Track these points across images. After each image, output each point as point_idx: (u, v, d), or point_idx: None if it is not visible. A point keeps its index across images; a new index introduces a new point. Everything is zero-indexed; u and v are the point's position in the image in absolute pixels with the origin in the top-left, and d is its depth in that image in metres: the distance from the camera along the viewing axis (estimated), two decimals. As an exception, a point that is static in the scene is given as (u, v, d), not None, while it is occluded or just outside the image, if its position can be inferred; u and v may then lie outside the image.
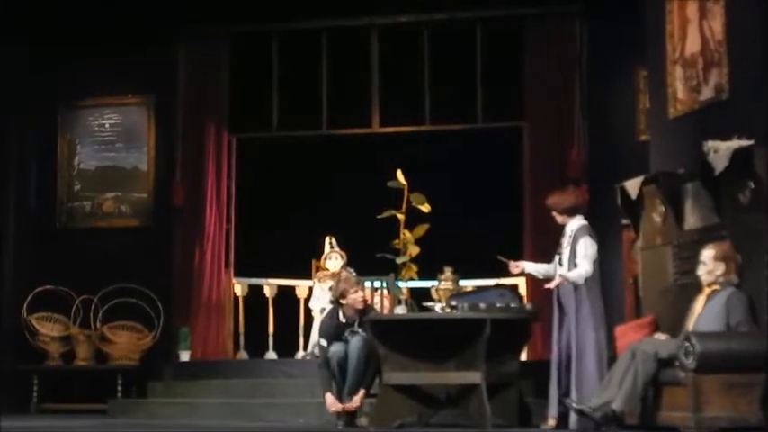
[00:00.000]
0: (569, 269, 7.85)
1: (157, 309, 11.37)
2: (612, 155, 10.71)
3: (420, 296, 8.91)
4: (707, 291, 7.27)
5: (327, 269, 10.78)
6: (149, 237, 11.74)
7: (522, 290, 10.70)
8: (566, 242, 7.99)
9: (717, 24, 7.96)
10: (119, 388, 10.95)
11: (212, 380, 10.45)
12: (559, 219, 8.07)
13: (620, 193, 8.45)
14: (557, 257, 8.05)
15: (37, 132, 12.06)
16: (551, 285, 7.98)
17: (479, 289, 9.23)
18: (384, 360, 8.09)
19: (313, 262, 11.19)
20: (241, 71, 11.95)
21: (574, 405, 7.44)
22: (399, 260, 8.66)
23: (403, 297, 8.79)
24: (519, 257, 10.34)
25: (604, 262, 8.10)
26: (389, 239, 8.71)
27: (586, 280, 7.82)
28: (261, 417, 9.40)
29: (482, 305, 8.04)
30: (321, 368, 8.35)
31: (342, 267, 10.46)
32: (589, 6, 11.14)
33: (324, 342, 8.38)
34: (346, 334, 8.33)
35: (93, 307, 11.44)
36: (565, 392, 7.80)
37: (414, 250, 8.66)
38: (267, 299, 11.44)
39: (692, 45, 8.25)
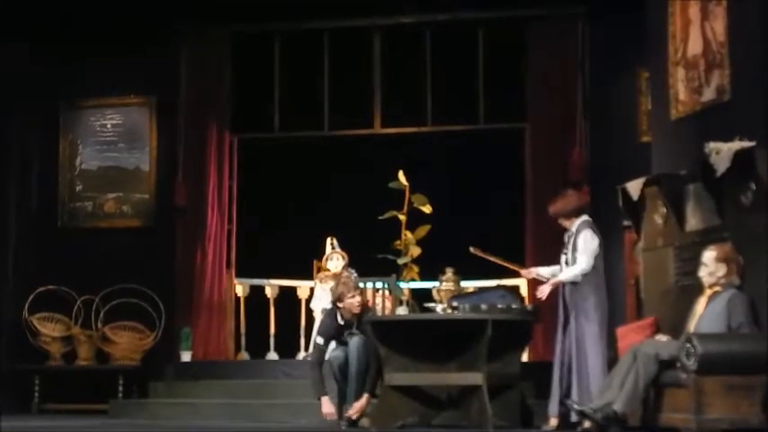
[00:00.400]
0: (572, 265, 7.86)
1: (159, 309, 11.38)
2: (614, 156, 10.71)
3: (421, 297, 8.89)
4: (708, 292, 7.26)
5: (329, 270, 10.76)
6: (151, 237, 11.75)
7: (524, 291, 10.69)
8: (569, 240, 8.00)
9: (719, 26, 7.95)
10: (120, 388, 10.97)
11: (214, 380, 10.46)
12: (566, 223, 8.06)
13: (622, 195, 8.44)
14: (563, 257, 8.05)
15: (38, 132, 12.07)
16: (542, 295, 7.98)
17: (481, 290, 9.21)
18: (385, 361, 8.09)
19: (314, 263, 11.17)
20: (243, 71, 11.96)
21: (575, 406, 7.44)
22: (401, 261, 8.66)
23: (404, 298, 8.78)
24: (521, 258, 10.40)
25: (605, 263, 8.08)
26: (391, 240, 8.71)
27: (590, 277, 7.82)
28: (262, 417, 9.39)
29: (483, 306, 8.04)
30: (313, 368, 8.33)
31: (343, 268, 10.45)
32: (591, 8, 11.14)
33: (320, 340, 8.38)
34: (345, 335, 8.33)
35: (94, 307, 11.45)
36: (566, 393, 7.81)
37: (415, 251, 8.66)
38: (268, 299, 11.44)
39: (694, 46, 8.23)
